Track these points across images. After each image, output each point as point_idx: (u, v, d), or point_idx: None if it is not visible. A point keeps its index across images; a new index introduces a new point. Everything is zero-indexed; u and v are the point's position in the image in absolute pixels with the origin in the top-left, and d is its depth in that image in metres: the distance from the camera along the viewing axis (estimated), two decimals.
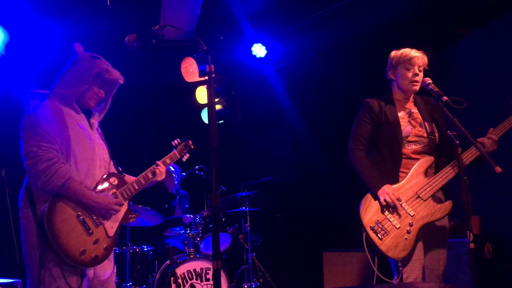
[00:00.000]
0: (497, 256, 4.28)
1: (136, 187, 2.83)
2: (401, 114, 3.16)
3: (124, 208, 2.75)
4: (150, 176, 2.93)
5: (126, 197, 2.76)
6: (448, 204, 2.98)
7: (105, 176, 2.72)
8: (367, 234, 2.94)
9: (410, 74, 3.11)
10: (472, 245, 2.74)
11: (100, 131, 2.93)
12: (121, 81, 2.82)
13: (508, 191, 4.37)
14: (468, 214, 2.74)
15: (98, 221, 2.60)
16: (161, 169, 2.98)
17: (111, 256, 2.76)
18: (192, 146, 3.29)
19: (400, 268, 2.91)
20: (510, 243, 4.40)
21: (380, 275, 2.97)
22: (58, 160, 2.50)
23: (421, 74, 3.13)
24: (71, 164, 2.56)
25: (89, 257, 2.51)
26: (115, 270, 2.86)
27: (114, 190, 2.72)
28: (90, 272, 2.61)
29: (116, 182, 2.74)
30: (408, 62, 3.10)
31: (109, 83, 2.79)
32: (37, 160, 2.46)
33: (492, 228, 4.50)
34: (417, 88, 3.14)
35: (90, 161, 2.66)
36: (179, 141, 3.26)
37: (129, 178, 2.91)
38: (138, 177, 2.89)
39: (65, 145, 2.56)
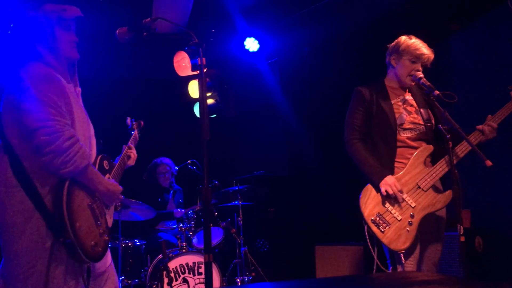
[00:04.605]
0: (487, 249, 4.32)
1: (121, 172, 2.65)
2: (394, 101, 3.11)
3: None
4: (126, 160, 2.73)
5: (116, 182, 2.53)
6: (448, 194, 2.93)
7: (99, 159, 2.45)
8: (369, 227, 2.89)
9: (412, 68, 3.04)
10: (462, 238, 2.74)
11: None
12: (80, 13, 2.49)
13: (499, 185, 4.40)
14: (459, 208, 2.74)
15: (103, 211, 2.36)
16: (134, 152, 2.79)
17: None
18: (142, 123, 3.19)
19: (403, 261, 2.86)
20: (500, 237, 4.44)
21: (381, 265, 2.95)
22: (79, 139, 2.18)
23: (421, 71, 3.06)
24: None
25: (98, 251, 2.24)
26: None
27: (108, 175, 2.48)
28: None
29: (108, 167, 2.51)
30: (416, 56, 3.03)
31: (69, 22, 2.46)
32: (57, 136, 2.10)
33: (482, 222, 4.54)
34: (413, 83, 3.10)
35: (87, 139, 2.38)
36: (131, 120, 3.17)
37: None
38: (119, 161, 2.67)
39: (69, 117, 2.24)
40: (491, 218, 4.54)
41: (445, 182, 3.10)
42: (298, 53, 6.31)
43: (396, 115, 3.05)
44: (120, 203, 2.55)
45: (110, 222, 2.42)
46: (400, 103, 3.12)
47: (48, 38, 2.35)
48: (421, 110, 3.10)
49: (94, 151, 2.46)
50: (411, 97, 3.16)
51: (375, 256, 2.93)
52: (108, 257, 2.49)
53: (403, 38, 3.12)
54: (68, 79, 2.40)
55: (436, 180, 2.97)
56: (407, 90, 3.19)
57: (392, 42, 3.22)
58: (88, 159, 2.20)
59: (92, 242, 2.19)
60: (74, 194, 2.17)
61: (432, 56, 3.07)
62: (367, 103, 3.09)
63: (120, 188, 2.41)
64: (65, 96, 2.25)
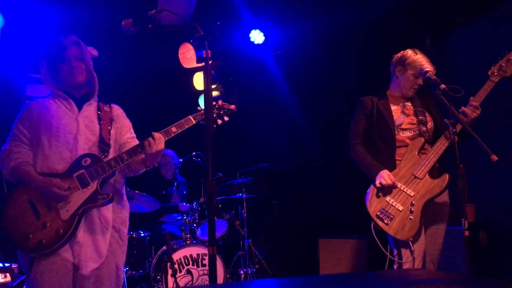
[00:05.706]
0: (491, 244, 4.31)
1: (114, 164, 2.62)
2: (394, 107, 3.29)
3: (90, 189, 2.58)
4: (139, 150, 2.67)
5: (96, 176, 2.59)
6: (444, 178, 3.06)
7: (77, 158, 2.61)
8: (375, 223, 3.06)
9: (415, 82, 3.24)
10: (467, 233, 2.76)
11: (107, 111, 2.83)
12: (74, 38, 2.73)
13: (503, 180, 4.39)
14: (464, 202, 2.77)
15: (51, 205, 2.54)
16: (151, 140, 2.66)
17: (102, 249, 2.61)
18: (232, 106, 2.98)
19: (412, 248, 2.99)
20: (504, 231, 4.43)
21: (393, 258, 3.07)
22: (13, 149, 2.62)
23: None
24: (38, 152, 2.62)
25: (33, 242, 2.47)
26: (115, 265, 2.67)
27: (81, 171, 2.59)
28: (74, 262, 2.54)
29: (88, 162, 2.61)
30: (420, 71, 3.18)
31: (66, 49, 2.71)
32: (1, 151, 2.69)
33: (487, 216, 4.53)
34: (413, 93, 3.29)
35: (63, 145, 2.62)
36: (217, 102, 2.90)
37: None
38: (121, 153, 2.68)
39: (35, 134, 2.65)
40: (496, 213, 4.53)
41: (450, 176, 3.10)
42: (304, 45, 6.28)
43: (395, 118, 3.23)
44: (103, 195, 2.59)
45: (65, 214, 2.53)
46: (399, 108, 3.29)
47: (50, 74, 2.75)
48: (418, 111, 3.26)
49: (75, 154, 2.62)
50: (410, 103, 3.32)
51: (387, 253, 3.08)
52: (96, 261, 2.58)
53: (409, 52, 3.28)
54: (66, 100, 2.73)
55: (430, 166, 3.07)
56: (408, 99, 3.34)
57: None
58: (18, 161, 2.58)
59: (25, 233, 2.47)
60: (16, 194, 2.56)
61: (434, 72, 3.19)
62: (368, 111, 3.30)
63: (52, 183, 2.52)
64: (33, 117, 2.68)
